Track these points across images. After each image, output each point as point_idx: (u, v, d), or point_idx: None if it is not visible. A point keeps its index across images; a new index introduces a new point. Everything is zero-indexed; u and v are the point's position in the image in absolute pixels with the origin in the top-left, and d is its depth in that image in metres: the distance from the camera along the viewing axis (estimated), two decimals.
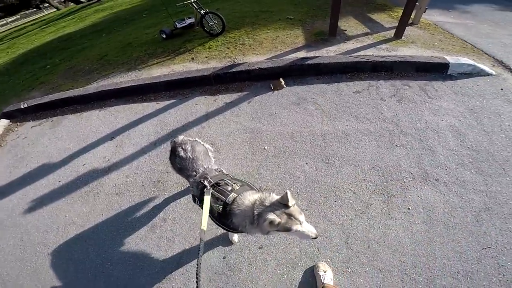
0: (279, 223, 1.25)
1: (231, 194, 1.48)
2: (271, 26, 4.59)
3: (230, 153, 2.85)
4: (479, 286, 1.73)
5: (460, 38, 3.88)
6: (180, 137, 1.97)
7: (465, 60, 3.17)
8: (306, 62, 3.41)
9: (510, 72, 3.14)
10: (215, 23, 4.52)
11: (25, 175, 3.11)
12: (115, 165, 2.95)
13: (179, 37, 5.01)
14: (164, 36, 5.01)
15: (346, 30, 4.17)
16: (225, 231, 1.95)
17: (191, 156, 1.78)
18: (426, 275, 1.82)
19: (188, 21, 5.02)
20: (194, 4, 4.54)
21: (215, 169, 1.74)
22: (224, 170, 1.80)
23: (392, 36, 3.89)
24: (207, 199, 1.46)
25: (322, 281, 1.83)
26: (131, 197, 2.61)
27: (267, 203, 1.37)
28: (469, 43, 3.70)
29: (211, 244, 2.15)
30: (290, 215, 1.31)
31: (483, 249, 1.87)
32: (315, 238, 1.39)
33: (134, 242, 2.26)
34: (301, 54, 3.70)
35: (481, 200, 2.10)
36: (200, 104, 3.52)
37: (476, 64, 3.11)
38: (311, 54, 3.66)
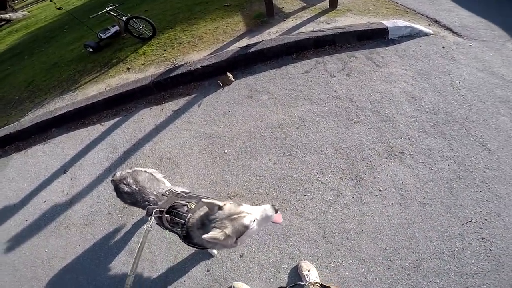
0: (225, 235, 1.04)
1: (188, 215, 1.27)
2: (208, 17, 3.96)
3: (189, 164, 2.42)
4: (468, 265, 1.54)
5: (391, 0, 3.60)
6: (118, 174, 1.73)
7: (401, 22, 2.93)
8: (250, 50, 2.95)
9: (446, 30, 2.98)
10: (143, 26, 3.79)
11: None
12: (76, 198, 2.56)
13: (108, 48, 4.20)
14: (90, 49, 4.15)
15: (283, 7, 3.71)
16: None
17: (136, 189, 1.56)
18: (411, 259, 1.61)
19: (113, 29, 4.20)
20: (111, 12, 3.73)
21: (164, 193, 1.50)
22: (176, 188, 1.56)
23: (328, 6, 3.51)
24: (142, 243, 1.22)
25: (308, 280, 1.61)
26: (101, 225, 2.30)
27: (205, 218, 1.17)
28: (400, 4, 3.47)
29: (192, 259, 1.90)
30: (229, 216, 1.09)
31: (463, 224, 1.68)
32: (277, 211, 1.19)
33: (118, 267, 2.02)
34: (244, 41, 3.22)
35: (451, 169, 1.92)
36: (147, 117, 2.95)
37: (413, 25, 2.90)
38: (254, 40, 3.19)
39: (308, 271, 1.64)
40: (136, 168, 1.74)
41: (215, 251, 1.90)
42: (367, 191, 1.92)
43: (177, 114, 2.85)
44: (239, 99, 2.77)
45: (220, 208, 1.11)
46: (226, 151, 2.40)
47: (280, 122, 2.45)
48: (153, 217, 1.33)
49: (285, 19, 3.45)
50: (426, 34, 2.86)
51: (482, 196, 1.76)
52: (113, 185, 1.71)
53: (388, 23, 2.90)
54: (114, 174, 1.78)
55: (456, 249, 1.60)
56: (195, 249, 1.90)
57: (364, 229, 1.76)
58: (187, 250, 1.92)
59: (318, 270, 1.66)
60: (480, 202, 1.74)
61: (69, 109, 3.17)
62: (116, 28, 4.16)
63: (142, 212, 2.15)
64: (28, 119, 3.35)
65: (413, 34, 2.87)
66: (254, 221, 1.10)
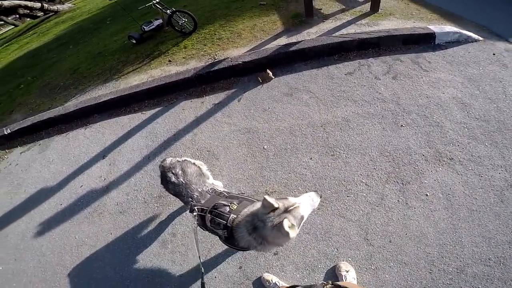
0: (292, 224, 1.03)
1: (231, 216, 1.25)
2: (245, 15, 3.95)
3: (228, 158, 2.41)
4: None
5: (435, 5, 3.46)
6: (168, 160, 1.71)
7: (449, 28, 2.78)
8: (291, 49, 2.91)
9: (496, 36, 2.79)
10: (185, 21, 3.82)
11: (26, 200, 2.78)
12: (113, 184, 2.57)
13: (151, 40, 4.27)
14: (134, 41, 4.25)
15: (321, 9, 3.63)
16: None
17: (183, 181, 1.53)
18: (455, 264, 1.54)
19: (156, 22, 4.26)
20: (157, 5, 3.79)
21: (208, 190, 1.49)
22: (219, 186, 1.58)
23: (369, 10, 3.41)
24: (196, 240, 1.30)
25: (344, 280, 1.56)
26: (136, 214, 2.29)
27: (256, 221, 1.12)
28: (446, 10, 3.29)
29: (224, 255, 1.88)
30: (287, 210, 1.08)
31: None
32: (321, 197, 1.23)
33: (148, 259, 2.01)
34: (283, 40, 3.18)
35: (501, 177, 1.80)
36: (188, 108, 2.98)
37: (461, 31, 2.74)
38: (293, 39, 3.14)
39: (347, 272, 1.59)
40: (185, 159, 1.71)
41: None
42: (413, 195, 1.84)
43: (217, 107, 2.86)
44: (279, 96, 2.74)
45: (274, 210, 1.07)
46: (265, 147, 2.38)
47: (323, 121, 2.40)
48: (196, 215, 1.33)
49: (324, 20, 3.37)
50: (475, 40, 2.70)
51: None
52: (160, 171, 1.69)
53: (435, 28, 2.76)
54: (164, 160, 1.74)
55: (503, 255, 1.52)
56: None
57: (408, 233, 1.69)
58: (220, 246, 1.89)
59: (356, 272, 1.60)
60: None
61: (112, 97, 3.26)
62: (159, 21, 4.22)
63: (178, 203, 2.19)
64: (72, 104, 3.49)
65: (461, 40, 2.72)
66: (305, 212, 1.11)
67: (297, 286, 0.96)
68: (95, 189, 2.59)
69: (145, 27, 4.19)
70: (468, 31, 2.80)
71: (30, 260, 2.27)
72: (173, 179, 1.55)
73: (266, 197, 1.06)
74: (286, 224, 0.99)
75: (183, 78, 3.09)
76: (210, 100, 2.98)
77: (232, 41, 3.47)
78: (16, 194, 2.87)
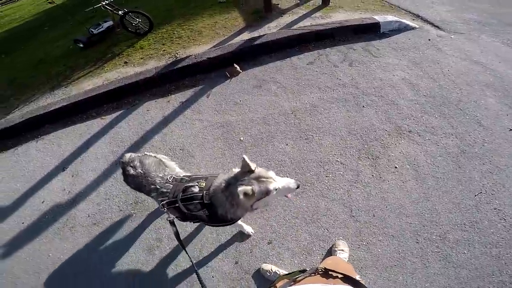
0: (253, 190, 1.05)
1: (203, 193, 1.21)
2: (204, 13, 3.79)
3: (205, 153, 2.28)
4: (488, 234, 1.59)
5: None
6: (127, 155, 1.61)
7: (390, 17, 3.06)
8: (255, 43, 2.88)
9: (429, 24, 3.18)
10: (139, 21, 3.53)
11: None
12: (80, 196, 2.26)
13: (101, 43, 3.83)
14: (81, 45, 3.76)
15: (278, 4, 3.69)
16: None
17: (141, 172, 1.44)
18: (437, 232, 1.64)
19: (106, 24, 3.83)
20: (107, 7, 3.40)
21: (167, 180, 1.37)
22: (181, 174, 1.47)
23: (321, 3, 3.57)
24: (177, 235, 1.22)
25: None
26: (112, 224, 2.04)
27: (232, 180, 1.16)
28: (385, 1, 3.65)
29: (217, 252, 1.76)
30: (259, 178, 1.10)
31: (475, 195, 1.76)
32: (298, 187, 1.18)
33: (136, 268, 1.80)
34: (246, 35, 3.13)
35: (454, 144, 2.02)
36: (153, 109, 2.73)
37: (401, 20, 3.05)
38: (255, 33, 3.12)
39: (342, 251, 1.59)
40: (146, 153, 1.62)
41: (248, 229, 1.75)
42: (384, 168, 1.95)
43: (185, 105, 2.69)
44: (248, 89, 2.69)
45: (251, 171, 1.12)
46: (242, 138, 2.31)
47: (293, 109, 2.43)
48: (165, 209, 1.27)
49: (282, 15, 3.42)
50: (412, 28, 3.02)
51: (486, 168, 1.85)
52: (121, 167, 1.60)
53: (379, 18, 3.01)
54: (123, 156, 1.64)
55: (474, 220, 1.64)
56: (223, 237, 1.79)
57: (388, 206, 1.78)
58: (211, 243, 1.79)
59: (351, 249, 1.62)
60: (485, 174, 1.83)
61: (65, 104, 2.84)
62: (109, 23, 3.81)
63: (155, 205, 2.00)
64: (17, 116, 2.95)
65: (401, 28, 3.01)
66: (276, 189, 1.11)
67: (295, 271, 0.87)
68: (60, 203, 2.25)
69: (93, 30, 3.74)
70: (406, 20, 3.07)
71: (3, 285, 1.96)
72: (132, 171, 1.46)
73: (244, 156, 1.10)
74: (243, 189, 1.02)
75: (144, 78, 2.84)
76: (177, 98, 2.78)
77: (193, 39, 3.28)
78: None
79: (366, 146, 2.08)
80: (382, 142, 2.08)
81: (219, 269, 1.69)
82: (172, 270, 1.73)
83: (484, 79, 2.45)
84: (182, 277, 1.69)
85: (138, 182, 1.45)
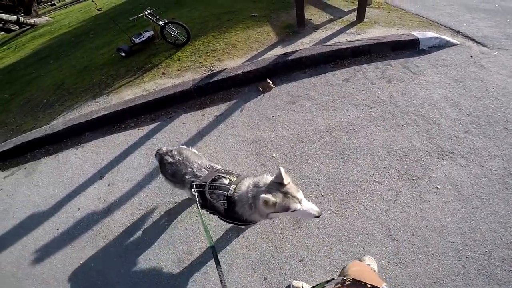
0: (274, 202, 1.13)
1: (231, 186, 1.34)
2: (238, 26, 4.07)
3: (237, 169, 2.40)
4: None
5: (412, 13, 3.82)
6: (164, 148, 1.83)
7: (430, 34, 3.08)
8: (289, 58, 3.04)
9: (470, 40, 3.14)
10: (178, 32, 3.83)
11: (16, 226, 2.57)
12: (114, 205, 2.45)
13: (141, 53, 4.21)
14: (123, 54, 4.16)
15: (311, 19, 3.86)
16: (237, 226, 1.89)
17: (179, 158, 1.63)
18: (480, 250, 1.64)
19: (147, 34, 4.21)
20: (149, 16, 3.79)
21: (206, 166, 1.56)
22: (218, 166, 1.63)
23: (355, 19, 3.68)
24: (201, 214, 1.33)
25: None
26: (145, 235, 2.20)
27: (261, 185, 1.25)
28: (423, 17, 3.65)
29: (247, 268, 1.85)
30: (286, 194, 1.17)
31: None
32: (318, 217, 1.22)
33: (166, 281, 1.93)
34: (279, 50, 3.31)
35: (500, 166, 1.99)
36: (188, 122, 2.96)
37: (441, 36, 3.04)
38: (288, 48, 3.29)
39: (369, 265, 1.63)
40: (181, 146, 1.81)
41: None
42: (425, 189, 1.96)
43: (219, 119, 2.87)
44: (281, 105, 2.82)
45: (282, 185, 1.18)
46: (274, 155, 2.41)
47: (328, 126, 2.50)
48: (195, 191, 1.40)
49: (315, 30, 3.57)
50: (453, 45, 3.01)
51: None
52: (158, 159, 1.78)
53: (418, 34, 3.04)
54: (160, 148, 1.83)
55: None
56: (253, 253, 1.89)
57: (428, 225, 1.79)
58: (241, 258, 1.88)
59: (387, 267, 1.66)
60: None
61: (105, 112, 3.14)
62: (150, 33, 4.17)
63: (190, 220, 2.18)
64: (60, 122, 3.29)
65: (442, 45, 3.02)
66: (297, 210, 1.18)
67: (321, 283, 1.00)
68: (94, 211, 2.45)
69: (135, 39, 4.12)
70: (446, 36, 3.15)
71: None
72: (170, 159, 1.63)
73: (281, 168, 1.18)
74: (266, 197, 1.10)
75: (181, 90, 3.08)
76: (211, 112, 2.99)
77: (227, 52, 3.55)
78: (3, 221, 2.63)
79: (405, 166, 2.09)
80: (423, 163, 2.09)
81: (248, 285, 1.77)
82: (200, 284, 1.84)
83: None
84: None
85: (176, 169, 1.60)
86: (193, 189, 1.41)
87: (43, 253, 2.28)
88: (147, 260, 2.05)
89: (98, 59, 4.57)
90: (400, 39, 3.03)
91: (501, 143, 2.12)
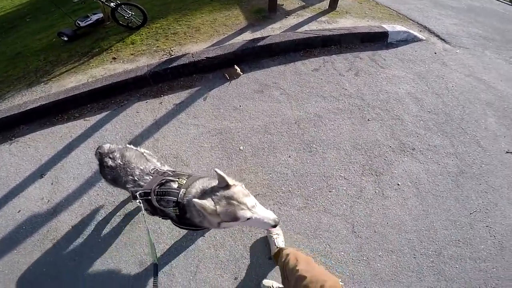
0: (213, 210, 1.04)
1: (181, 191, 1.24)
2: (204, 9, 3.90)
3: (201, 162, 2.35)
4: (479, 250, 1.82)
5: (384, 5, 4.03)
6: (106, 146, 1.68)
7: (399, 27, 3.30)
8: (258, 44, 3.01)
9: (435, 36, 3.43)
10: (132, 14, 3.57)
11: None
12: (61, 205, 2.27)
13: (87, 37, 3.85)
14: (65, 38, 3.76)
15: (283, 4, 3.85)
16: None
17: (120, 163, 1.50)
18: (433, 247, 1.84)
19: (95, 17, 3.86)
20: None
21: (149, 172, 1.43)
22: (164, 168, 1.52)
23: (327, 7, 3.78)
24: (146, 228, 1.21)
25: (276, 244, 1.79)
26: (98, 236, 2.07)
27: (208, 189, 1.17)
28: (393, 10, 3.89)
29: (216, 267, 1.84)
30: (230, 199, 1.07)
31: (470, 213, 1.97)
32: (275, 226, 1.13)
33: (130, 283, 1.85)
34: (248, 35, 3.25)
35: (454, 164, 2.22)
36: (143, 110, 2.78)
37: (410, 31, 3.29)
38: (257, 34, 3.25)
39: (277, 235, 1.80)
40: (128, 146, 1.68)
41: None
42: (387, 185, 2.11)
43: (179, 107, 2.76)
44: (249, 94, 2.80)
45: (228, 186, 1.10)
46: (241, 147, 2.40)
47: (296, 118, 2.55)
48: (140, 200, 1.28)
49: (286, 16, 3.58)
50: (420, 40, 3.26)
51: (482, 188, 2.09)
52: (98, 158, 1.66)
53: (388, 27, 3.24)
54: (101, 146, 1.69)
55: (468, 236, 1.87)
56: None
57: (388, 222, 1.95)
58: (209, 258, 1.88)
59: (351, 264, 1.78)
60: (481, 193, 2.06)
61: (43, 102, 2.81)
62: (99, 15, 3.84)
63: (153, 220, 1.98)
64: None
65: (409, 39, 3.24)
66: (249, 218, 1.08)
67: None
68: (38, 213, 2.24)
69: (80, 22, 3.76)
70: (413, 30, 3.33)
71: None
72: (110, 162, 1.51)
73: (217, 170, 1.11)
74: (198, 202, 1.03)
75: (134, 76, 2.87)
76: (170, 100, 2.84)
77: (190, 36, 3.37)
78: None
79: (370, 162, 2.23)
80: (386, 158, 2.25)
81: (217, 285, 1.79)
82: (167, 286, 1.79)
83: (485, 98, 2.70)
84: None
85: (116, 174, 1.49)
86: (137, 200, 1.30)
87: None
88: (105, 263, 1.96)
89: (35, 44, 4.10)
90: (370, 31, 3.19)
91: (456, 141, 2.37)
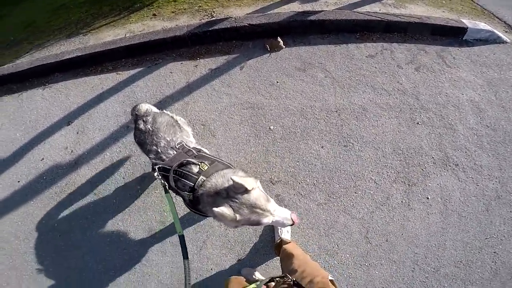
0: (233, 219, 1.15)
1: (200, 178, 1.35)
2: None
3: (228, 136, 2.61)
4: (474, 273, 2.02)
5: None
6: (144, 107, 1.88)
7: (483, 25, 3.19)
8: (309, 18, 3.11)
9: None
10: None
11: None
12: (83, 158, 2.64)
13: None
14: None
15: None
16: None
17: (150, 128, 1.67)
18: (434, 264, 2.04)
19: None
20: None
21: (174, 146, 1.57)
22: (190, 144, 1.65)
23: None
24: (169, 201, 1.39)
25: (280, 234, 2.04)
26: (114, 197, 2.43)
27: (223, 190, 1.26)
28: (478, 4, 3.72)
29: (222, 246, 2.16)
30: (253, 207, 1.17)
31: (486, 238, 2.12)
32: (292, 225, 1.30)
33: (134, 248, 2.21)
34: (296, 6, 3.36)
35: (494, 188, 2.30)
36: (177, 72, 3.08)
37: (494, 30, 3.17)
38: (308, 6, 3.33)
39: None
40: (164, 111, 1.89)
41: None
42: (416, 197, 2.27)
43: (214, 73, 3.00)
44: (289, 70, 2.96)
45: (247, 191, 1.18)
46: (272, 127, 2.62)
47: (338, 106, 2.69)
48: (159, 174, 1.46)
49: None
50: (502, 42, 3.16)
51: (510, 216, 2.19)
52: (133, 119, 1.89)
53: (468, 22, 3.16)
54: (138, 106, 1.90)
55: (471, 259, 2.05)
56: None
57: (403, 233, 2.14)
58: (218, 236, 2.16)
59: (352, 267, 2.03)
60: (507, 221, 2.19)
61: (79, 54, 3.21)
62: None
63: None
64: (26, 61, 3.39)
65: (490, 40, 3.16)
66: (269, 223, 1.24)
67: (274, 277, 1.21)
68: (60, 163, 2.63)
69: None
70: (499, 31, 3.25)
71: None
72: (141, 125, 1.71)
73: (234, 177, 1.17)
74: (219, 210, 1.14)
75: (172, 35, 3.13)
76: (206, 64, 3.09)
77: None
78: None
79: (406, 169, 2.36)
80: (424, 169, 2.36)
81: (220, 264, 2.07)
82: (171, 256, 2.13)
83: None
84: (179, 263, 2.04)
85: (143, 140, 1.68)
86: (155, 173, 1.47)
87: (3, 209, 2.49)
88: (115, 225, 2.29)
89: None
90: (446, 24, 3.14)
91: (505, 165, 2.41)
